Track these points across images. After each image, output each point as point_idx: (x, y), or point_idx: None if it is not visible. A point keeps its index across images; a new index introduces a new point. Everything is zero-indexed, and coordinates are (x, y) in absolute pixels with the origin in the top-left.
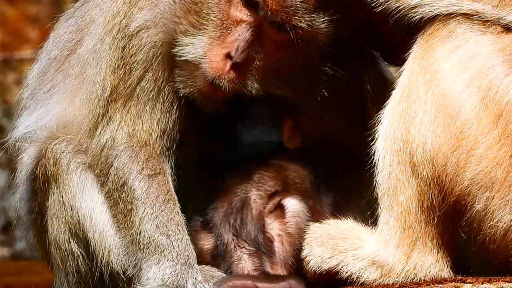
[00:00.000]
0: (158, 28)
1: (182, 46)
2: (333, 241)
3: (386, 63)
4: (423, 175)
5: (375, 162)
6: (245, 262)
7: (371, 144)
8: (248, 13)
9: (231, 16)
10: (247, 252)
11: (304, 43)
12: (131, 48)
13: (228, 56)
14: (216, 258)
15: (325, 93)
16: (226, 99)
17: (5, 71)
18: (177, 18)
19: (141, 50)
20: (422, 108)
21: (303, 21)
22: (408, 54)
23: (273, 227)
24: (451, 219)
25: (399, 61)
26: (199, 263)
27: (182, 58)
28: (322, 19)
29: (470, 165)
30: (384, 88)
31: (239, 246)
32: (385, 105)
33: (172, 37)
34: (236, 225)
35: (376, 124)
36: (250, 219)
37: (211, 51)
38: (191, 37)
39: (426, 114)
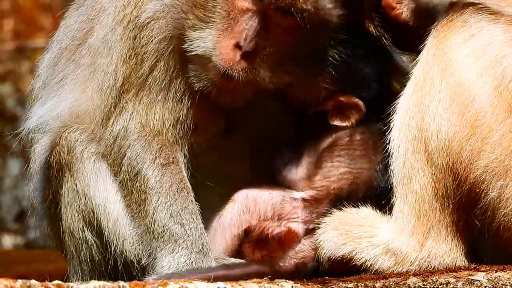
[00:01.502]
0: (167, 20)
1: (191, 41)
2: (347, 228)
3: (399, 51)
4: (438, 163)
5: (389, 151)
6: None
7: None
8: (253, 1)
9: (236, 6)
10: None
11: (312, 26)
12: (142, 38)
13: (237, 46)
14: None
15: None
16: (241, 92)
17: (19, 60)
18: (183, 13)
19: (152, 40)
20: (437, 96)
21: (308, 3)
22: (421, 41)
23: None
24: (466, 207)
25: (412, 48)
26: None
27: (193, 53)
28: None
29: (485, 153)
30: (397, 75)
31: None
32: (399, 95)
33: (181, 32)
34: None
35: (391, 114)
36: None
37: (220, 43)
38: (199, 31)
39: (441, 103)
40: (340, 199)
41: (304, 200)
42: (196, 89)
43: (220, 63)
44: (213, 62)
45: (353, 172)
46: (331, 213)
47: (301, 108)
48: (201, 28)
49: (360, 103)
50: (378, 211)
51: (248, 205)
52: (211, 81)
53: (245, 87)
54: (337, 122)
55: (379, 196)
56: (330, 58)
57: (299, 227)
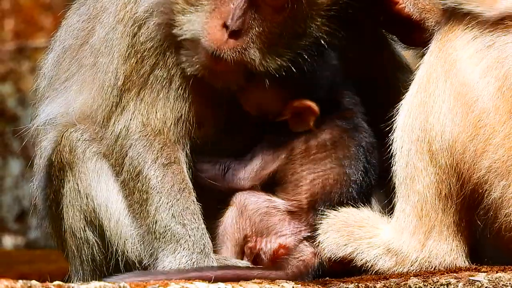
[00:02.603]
0: (160, 11)
1: (180, 25)
2: (348, 229)
3: (404, 46)
4: (442, 163)
5: (391, 152)
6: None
7: (388, 131)
8: None
9: None
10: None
11: (302, 4)
12: (141, 35)
13: (224, 26)
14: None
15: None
16: (233, 74)
17: (19, 60)
18: None
19: (150, 37)
20: (441, 97)
21: None
22: (424, 36)
23: None
24: (468, 207)
25: (415, 43)
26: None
27: (183, 37)
28: None
29: (488, 153)
30: (398, 70)
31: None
32: (404, 95)
33: (171, 18)
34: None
35: (394, 115)
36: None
37: (208, 24)
38: (188, 15)
39: (445, 103)
40: (322, 203)
41: (289, 212)
42: (189, 73)
43: (208, 44)
44: (202, 44)
45: (320, 175)
46: (326, 217)
47: (262, 118)
48: (190, 12)
49: (313, 104)
50: (365, 205)
51: (242, 212)
52: (202, 64)
53: (236, 69)
54: (299, 129)
55: (365, 190)
56: (321, 41)
57: (289, 241)
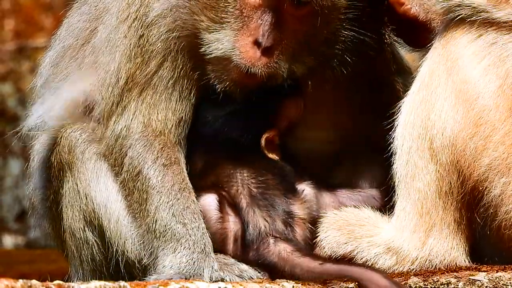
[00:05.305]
0: (175, 19)
1: (208, 43)
2: (349, 228)
3: (410, 48)
4: (442, 160)
5: (392, 150)
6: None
7: (388, 132)
8: None
9: (248, 3)
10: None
11: (325, 10)
12: (149, 37)
13: (256, 43)
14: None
15: (348, 62)
16: (262, 85)
17: (19, 60)
18: (195, 15)
19: (159, 39)
20: (443, 94)
21: None
22: (430, 37)
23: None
24: (469, 204)
25: (422, 45)
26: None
27: (212, 55)
28: None
29: (488, 151)
30: (401, 73)
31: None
32: (406, 94)
33: (195, 34)
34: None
35: (395, 113)
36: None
37: (238, 42)
38: (215, 33)
39: (446, 100)
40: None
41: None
42: (219, 90)
43: (241, 62)
44: (234, 62)
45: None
46: (327, 215)
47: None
48: (216, 29)
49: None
50: None
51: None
52: (234, 81)
53: (266, 81)
54: (265, 151)
55: None
56: (343, 40)
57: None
